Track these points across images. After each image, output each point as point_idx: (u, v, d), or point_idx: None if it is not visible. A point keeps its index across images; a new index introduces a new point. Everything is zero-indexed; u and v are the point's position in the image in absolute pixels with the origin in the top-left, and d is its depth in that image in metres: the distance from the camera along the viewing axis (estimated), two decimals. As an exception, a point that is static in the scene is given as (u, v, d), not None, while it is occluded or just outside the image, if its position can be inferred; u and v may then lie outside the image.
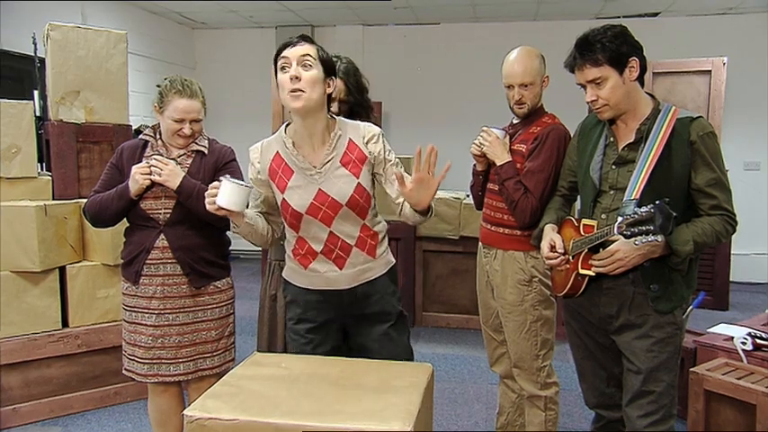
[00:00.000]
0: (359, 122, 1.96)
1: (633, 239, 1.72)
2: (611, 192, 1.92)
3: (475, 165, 2.49)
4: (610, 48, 1.81)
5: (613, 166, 1.92)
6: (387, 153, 1.93)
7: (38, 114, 3.56)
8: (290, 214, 1.88)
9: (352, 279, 1.91)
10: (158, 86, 2.27)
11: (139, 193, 2.21)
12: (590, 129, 2.06)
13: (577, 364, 2.15)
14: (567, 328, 2.14)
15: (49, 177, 3.18)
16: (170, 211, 2.23)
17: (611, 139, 1.95)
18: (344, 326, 2.01)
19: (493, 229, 2.44)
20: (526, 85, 2.31)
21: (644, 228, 1.65)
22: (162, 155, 2.26)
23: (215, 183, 1.81)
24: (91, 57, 3.20)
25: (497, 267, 2.42)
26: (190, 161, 2.29)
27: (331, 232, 1.87)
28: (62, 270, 3.08)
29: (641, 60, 1.85)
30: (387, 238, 2.01)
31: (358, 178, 1.87)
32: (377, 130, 1.93)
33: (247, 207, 1.89)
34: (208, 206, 1.80)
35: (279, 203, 1.93)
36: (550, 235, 2.05)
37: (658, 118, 1.86)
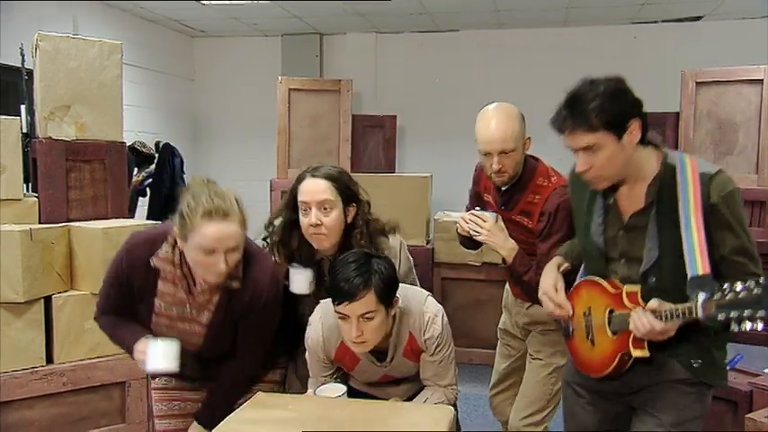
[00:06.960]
0: (419, 309, 2.00)
1: (732, 327, 1.53)
2: (622, 260, 1.82)
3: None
4: (608, 110, 1.66)
5: (621, 232, 1.82)
6: (434, 351, 2.01)
7: (24, 131, 3.62)
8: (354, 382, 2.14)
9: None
10: (180, 211, 1.90)
11: None
12: (581, 179, 1.85)
13: None
14: (566, 397, 2.04)
15: (36, 199, 3.21)
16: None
17: (611, 200, 1.84)
18: None
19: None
20: (507, 153, 2.20)
21: (747, 313, 1.49)
22: (177, 283, 1.98)
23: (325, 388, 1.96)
24: (83, 68, 3.26)
25: (526, 312, 2.53)
26: (216, 299, 1.99)
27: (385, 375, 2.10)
28: (47, 300, 3.09)
29: (643, 120, 1.72)
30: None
31: (419, 363, 2.07)
32: (438, 328, 1.98)
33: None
34: None
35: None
36: (554, 273, 1.96)
37: (679, 177, 1.71)
